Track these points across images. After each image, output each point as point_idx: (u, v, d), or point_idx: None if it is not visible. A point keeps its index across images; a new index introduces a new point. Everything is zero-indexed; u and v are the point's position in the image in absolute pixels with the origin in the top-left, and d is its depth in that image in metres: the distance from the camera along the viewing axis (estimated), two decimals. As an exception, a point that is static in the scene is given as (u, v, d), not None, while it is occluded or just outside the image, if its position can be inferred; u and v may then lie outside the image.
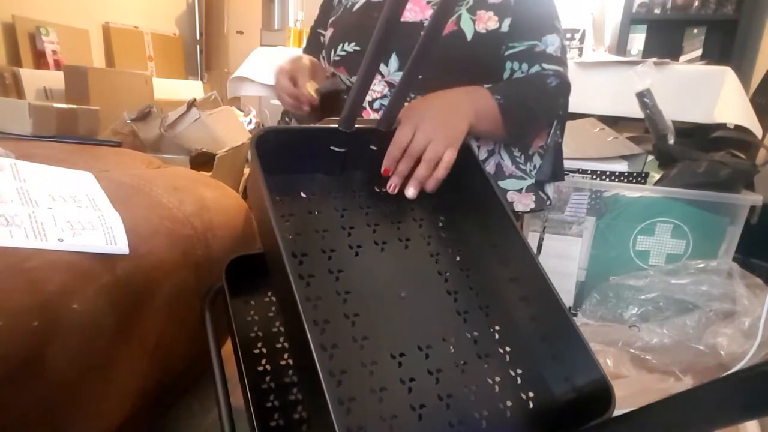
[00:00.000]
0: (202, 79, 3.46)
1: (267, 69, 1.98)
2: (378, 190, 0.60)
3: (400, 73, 0.72)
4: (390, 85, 0.81)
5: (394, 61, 0.79)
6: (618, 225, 1.32)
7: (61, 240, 0.50)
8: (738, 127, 1.45)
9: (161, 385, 0.64)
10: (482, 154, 0.81)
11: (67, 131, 1.07)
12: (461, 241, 0.59)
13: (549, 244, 1.37)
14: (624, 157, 1.41)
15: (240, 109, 2.51)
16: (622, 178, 1.35)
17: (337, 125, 0.53)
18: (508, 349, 0.51)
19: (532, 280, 0.52)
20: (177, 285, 0.63)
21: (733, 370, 0.99)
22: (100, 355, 0.50)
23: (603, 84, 1.58)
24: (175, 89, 2.81)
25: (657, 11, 2.17)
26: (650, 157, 1.43)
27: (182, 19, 3.52)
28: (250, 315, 0.64)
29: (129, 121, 1.57)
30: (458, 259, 0.58)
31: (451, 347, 0.49)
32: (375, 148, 0.58)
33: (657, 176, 1.36)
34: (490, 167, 0.82)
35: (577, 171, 1.36)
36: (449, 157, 0.58)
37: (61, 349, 0.45)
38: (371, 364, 0.45)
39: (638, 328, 1.18)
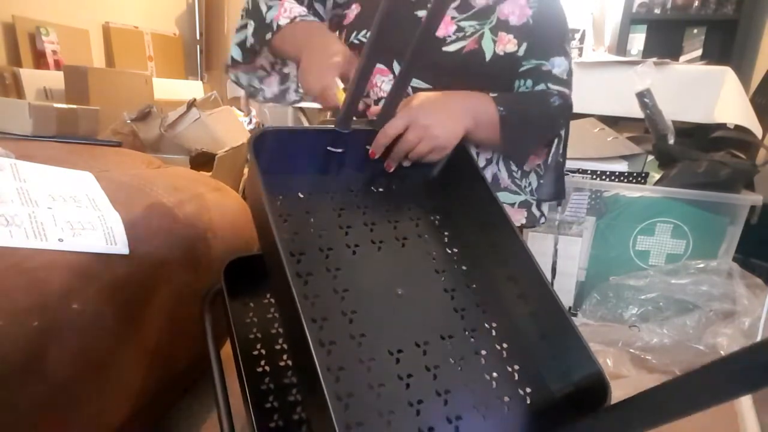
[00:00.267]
0: (202, 79, 3.45)
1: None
2: (375, 190, 0.60)
3: None
4: None
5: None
6: (618, 225, 1.32)
7: (61, 240, 0.50)
8: (738, 127, 1.45)
9: (161, 385, 0.64)
10: (480, 162, 0.80)
11: (67, 131, 1.07)
12: (458, 240, 0.59)
13: (549, 244, 1.37)
14: (624, 157, 1.41)
15: (240, 109, 2.51)
16: (622, 178, 1.35)
17: (333, 125, 0.54)
18: (505, 345, 0.52)
19: (529, 279, 0.52)
20: (177, 285, 0.63)
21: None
22: (100, 355, 0.50)
23: (603, 84, 1.58)
24: (175, 89, 2.80)
25: (657, 11, 2.16)
26: (650, 157, 1.43)
27: (182, 19, 3.51)
28: (249, 317, 0.64)
29: (129, 121, 1.57)
30: (455, 258, 0.58)
31: (449, 344, 0.50)
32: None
33: (657, 176, 1.36)
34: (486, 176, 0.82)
35: (577, 171, 1.36)
36: (433, 159, 0.61)
37: (61, 349, 0.45)
38: (369, 361, 0.45)
39: (638, 328, 1.18)
